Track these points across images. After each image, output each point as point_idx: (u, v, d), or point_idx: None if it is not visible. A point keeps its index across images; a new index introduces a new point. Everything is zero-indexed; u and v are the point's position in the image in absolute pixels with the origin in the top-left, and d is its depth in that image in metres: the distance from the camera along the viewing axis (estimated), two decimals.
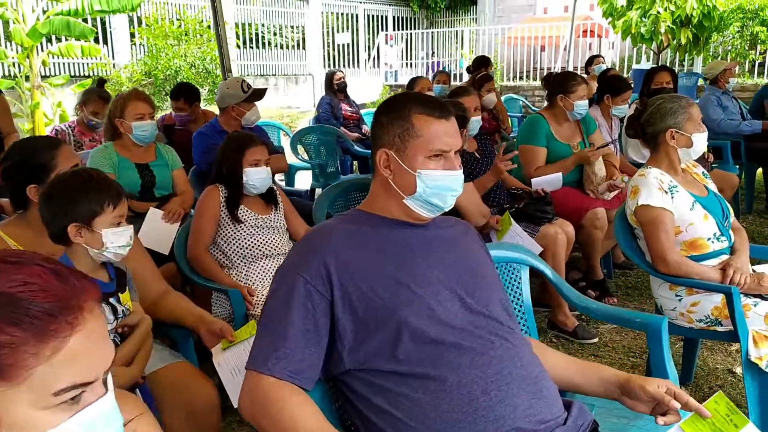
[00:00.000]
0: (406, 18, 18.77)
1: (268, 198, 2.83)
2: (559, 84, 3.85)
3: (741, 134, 5.41)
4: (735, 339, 2.27)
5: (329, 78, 6.87)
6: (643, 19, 9.96)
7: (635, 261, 2.52)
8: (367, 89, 15.90)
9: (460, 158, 1.54)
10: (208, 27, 12.13)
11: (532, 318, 2.10)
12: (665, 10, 9.70)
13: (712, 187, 2.60)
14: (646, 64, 11.29)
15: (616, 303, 3.73)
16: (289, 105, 15.86)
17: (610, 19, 10.72)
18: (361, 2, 17.46)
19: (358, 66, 17.51)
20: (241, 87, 3.88)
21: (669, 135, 2.46)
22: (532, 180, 3.54)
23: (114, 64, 12.52)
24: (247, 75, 15.12)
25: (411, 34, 17.57)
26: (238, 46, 14.74)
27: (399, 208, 1.52)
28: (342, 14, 17.17)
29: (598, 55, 8.06)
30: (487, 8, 18.06)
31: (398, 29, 18.19)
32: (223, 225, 2.69)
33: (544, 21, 16.30)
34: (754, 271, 2.46)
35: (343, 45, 17.24)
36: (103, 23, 12.51)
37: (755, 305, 2.30)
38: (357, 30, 17.46)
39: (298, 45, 16.52)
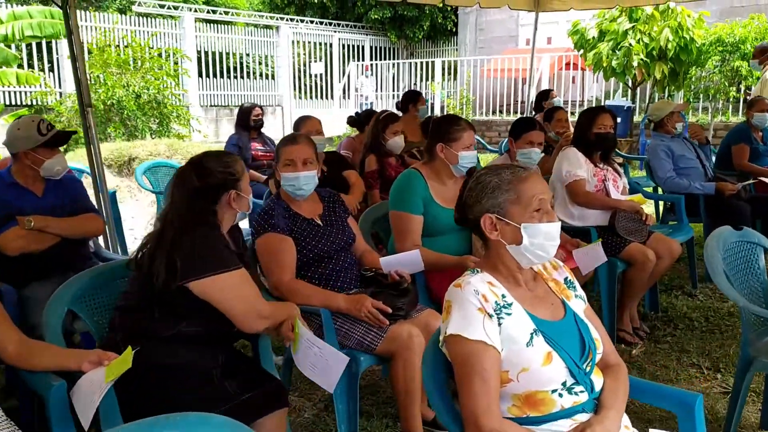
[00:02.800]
0: (385, 48, 18.12)
1: None
2: (437, 130, 3.02)
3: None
4: None
5: (245, 114, 6.05)
6: (615, 51, 9.19)
7: (443, 420, 1.63)
8: (336, 122, 15.15)
9: None
10: (159, 55, 11.43)
11: None
12: (638, 42, 8.93)
13: (577, 305, 1.72)
14: (620, 100, 10.53)
15: None
16: None
17: (582, 51, 9.95)
18: (335, 31, 16.83)
19: (332, 97, 16.81)
20: (38, 128, 3.04)
21: (487, 224, 1.61)
22: (381, 260, 2.67)
23: (60, 93, 11.83)
24: (211, 106, 14.43)
25: (389, 64, 16.87)
26: (200, 76, 14.08)
27: None
28: (315, 43, 16.51)
29: (551, 90, 7.26)
30: (468, 39, 17.39)
31: (377, 59, 17.52)
32: None
33: (526, 52, 15.62)
34: None
35: (317, 75, 16.57)
36: (50, 50, 11.85)
37: None
38: (331, 59, 16.78)
39: (268, 75, 15.83)
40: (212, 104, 14.45)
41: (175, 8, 13.72)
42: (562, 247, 3.67)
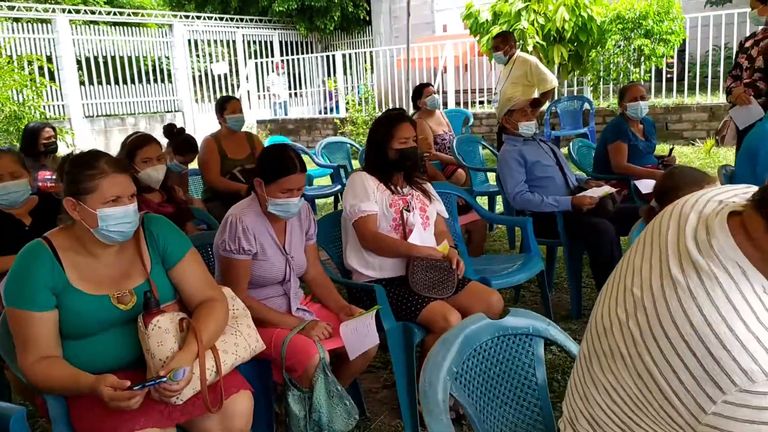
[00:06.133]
0: (297, 42, 17.00)
1: None
2: (67, 178, 1.98)
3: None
4: None
5: (32, 135, 4.97)
6: None
7: None
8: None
9: None
10: (12, 62, 10.12)
11: None
12: (532, 24, 8.02)
13: None
14: None
15: None
16: None
17: (478, 37, 9.03)
18: (238, 27, 15.64)
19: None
20: None
21: None
22: None
23: None
24: (98, 116, 13.15)
25: (296, 59, 15.75)
26: (83, 83, 12.80)
27: None
28: (216, 41, 15.30)
29: (428, 84, 6.12)
30: (382, 28, 16.41)
31: (289, 54, 16.38)
32: None
33: (443, 39, 14.70)
34: None
35: (220, 76, 15.38)
36: None
37: None
38: (236, 58, 15.60)
39: (164, 78, 14.58)
40: (99, 114, 13.18)
41: (45, 10, 12.38)
42: (333, 317, 2.69)
